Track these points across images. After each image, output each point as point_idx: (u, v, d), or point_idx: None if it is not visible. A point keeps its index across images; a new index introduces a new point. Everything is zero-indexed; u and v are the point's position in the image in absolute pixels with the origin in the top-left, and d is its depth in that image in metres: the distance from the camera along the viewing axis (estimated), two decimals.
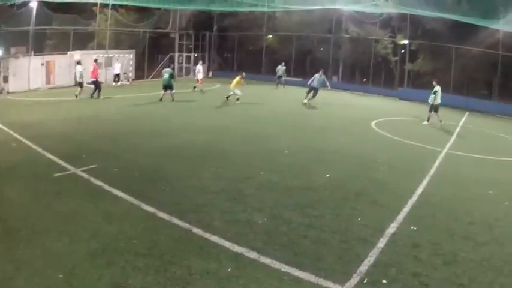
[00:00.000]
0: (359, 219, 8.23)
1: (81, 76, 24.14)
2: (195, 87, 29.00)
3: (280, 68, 34.04)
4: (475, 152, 15.89)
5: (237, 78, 23.76)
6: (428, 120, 21.33)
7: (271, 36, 43.72)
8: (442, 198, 10.12)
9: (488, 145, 18.04)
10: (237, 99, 23.67)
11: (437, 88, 20.89)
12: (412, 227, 8.04)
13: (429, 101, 21.38)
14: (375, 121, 20.93)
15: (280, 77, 33.91)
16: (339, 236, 7.35)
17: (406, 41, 36.36)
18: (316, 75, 24.88)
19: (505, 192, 11.10)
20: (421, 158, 14.24)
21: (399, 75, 38.32)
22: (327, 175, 11.05)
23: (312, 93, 25.03)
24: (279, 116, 20.79)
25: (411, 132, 18.93)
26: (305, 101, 25.01)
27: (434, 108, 21.07)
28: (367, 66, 38.21)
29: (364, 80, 39.38)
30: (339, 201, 9.26)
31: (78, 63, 24.84)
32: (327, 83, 25.97)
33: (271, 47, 43.72)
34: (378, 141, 16.55)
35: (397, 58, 38.83)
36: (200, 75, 29.23)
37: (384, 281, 5.98)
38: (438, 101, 20.88)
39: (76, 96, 23.12)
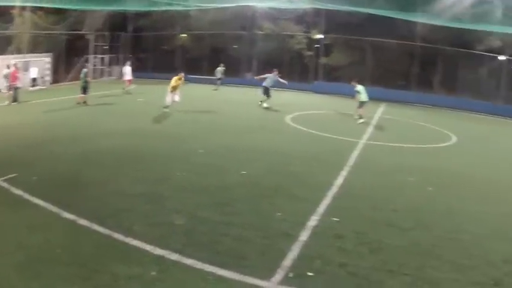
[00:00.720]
0: (279, 214, 8.54)
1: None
2: (124, 89, 28.69)
3: (220, 69, 34.47)
4: (393, 141, 17.01)
5: (175, 79, 21.28)
6: (361, 117, 22.17)
7: (185, 35, 44.61)
8: (362, 188, 10.81)
9: (406, 134, 19.39)
10: (165, 107, 21.08)
11: (359, 88, 22.00)
12: (334, 218, 8.49)
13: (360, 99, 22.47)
14: (291, 116, 21.70)
15: (219, 78, 34.34)
16: (260, 232, 7.59)
17: (320, 36, 38.22)
18: (271, 75, 25.13)
19: (425, 179, 12.12)
20: (339, 150, 15.03)
21: (314, 70, 40.03)
22: (243, 172, 11.33)
23: (267, 94, 25.04)
24: (195, 116, 20.79)
25: (328, 125, 19.90)
26: (265, 105, 24.81)
27: (360, 105, 22.08)
28: (281, 62, 39.68)
29: (279, 76, 40.70)
30: (258, 197, 9.59)
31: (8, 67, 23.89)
32: (284, 81, 26.11)
33: (185, 46, 44.66)
34: (294, 136, 17.22)
35: (311, 53, 40.75)
36: (128, 76, 28.99)
37: (310, 274, 6.25)
38: (363, 98, 21.87)
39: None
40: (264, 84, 24.78)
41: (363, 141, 16.52)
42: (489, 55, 34.39)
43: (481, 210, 9.99)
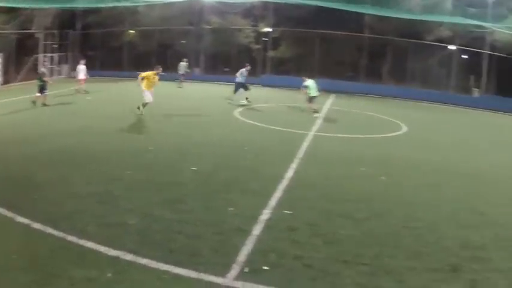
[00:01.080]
0: (231, 209, 8.64)
1: None
2: (78, 88, 28.06)
3: (183, 65, 34.12)
4: (343, 132, 17.48)
5: (151, 74, 19.24)
6: (316, 112, 22.50)
7: (133, 31, 44.93)
8: (313, 179, 11.10)
9: (356, 124, 19.97)
10: (139, 108, 19.37)
11: (308, 82, 22.35)
12: (286, 211, 8.66)
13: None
14: (239, 110, 21.93)
15: (182, 74, 33.99)
16: (213, 228, 7.65)
17: (268, 29, 38.94)
18: (243, 70, 25.30)
19: (377, 168, 12.59)
20: (289, 142, 15.30)
21: (262, 63, 40.62)
22: (193, 168, 11.41)
23: (243, 89, 25.09)
24: (146, 113, 20.56)
25: (276, 118, 20.23)
26: (245, 101, 24.77)
27: (310, 99, 22.44)
28: (229, 56, 40.34)
29: (227, 70, 41.49)
30: (209, 193, 9.68)
31: None
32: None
33: (133, 43, 44.90)
34: (243, 130, 17.47)
35: (259, 46, 41.64)
36: (81, 75, 28.33)
37: (266, 268, 6.35)
38: (312, 94, 22.25)
39: None
40: (238, 80, 25.11)
41: (312, 133, 16.87)
42: (439, 45, 35.80)
43: (434, 198, 10.43)
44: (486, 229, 8.86)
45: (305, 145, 14.87)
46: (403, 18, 32.68)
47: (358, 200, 9.76)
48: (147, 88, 19.01)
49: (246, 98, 24.92)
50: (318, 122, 19.63)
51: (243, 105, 24.12)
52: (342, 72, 39.02)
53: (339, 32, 36.17)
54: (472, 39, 35.13)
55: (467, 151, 17.00)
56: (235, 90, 25.01)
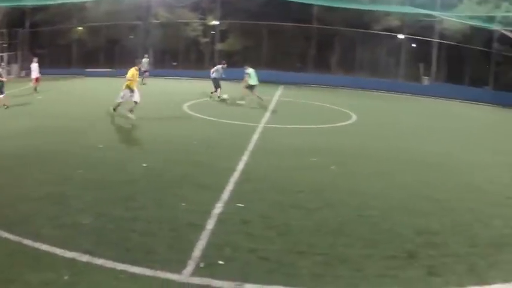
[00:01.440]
0: (183, 204, 8.62)
1: None
2: (35, 88, 27.51)
3: (145, 61, 33.59)
4: (293, 123, 17.73)
5: (133, 71, 18.06)
6: (243, 99, 22.90)
7: (81, 28, 45.08)
8: (265, 171, 11.22)
9: (305, 115, 20.32)
10: (114, 109, 18.31)
11: (249, 70, 22.87)
12: (239, 204, 8.71)
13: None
14: (188, 104, 21.96)
15: (145, 71, 33.46)
16: (166, 224, 7.63)
17: (216, 22, 39.17)
18: (219, 67, 25.61)
19: (327, 158, 12.89)
20: (238, 135, 15.43)
21: (210, 56, 40.82)
22: (144, 164, 11.36)
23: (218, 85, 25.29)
24: (94, 110, 20.26)
25: (225, 111, 20.38)
26: (225, 96, 24.98)
27: (250, 88, 22.72)
28: (177, 50, 40.61)
29: (175, 64, 41.56)
30: (161, 189, 9.65)
31: None
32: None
33: (81, 40, 45.01)
34: (193, 124, 17.46)
35: (207, 39, 42.01)
36: (35, 74, 27.84)
37: (221, 262, 6.36)
38: (252, 82, 22.74)
39: None
40: (213, 76, 25.55)
41: (262, 125, 17.01)
42: (388, 34, 36.72)
43: (386, 186, 10.75)
44: (441, 215, 9.15)
45: (255, 137, 14.99)
46: (351, 9, 33.37)
47: (310, 190, 9.93)
48: (132, 86, 17.76)
49: (219, 95, 25.29)
50: (267, 114, 19.81)
51: (224, 100, 24.62)
52: (291, 63, 39.58)
53: (287, 24, 36.73)
54: (421, 28, 36.25)
55: (418, 139, 17.49)
56: (216, 86, 25.33)
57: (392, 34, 37.12)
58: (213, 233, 7.36)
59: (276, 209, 8.65)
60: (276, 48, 39.33)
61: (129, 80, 17.72)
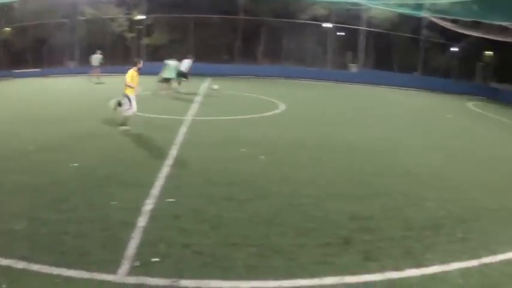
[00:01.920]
0: (114, 203, 8.45)
1: None
2: None
3: (96, 57, 32.21)
4: (221, 114, 17.80)
5: (132, 73, 15.41)
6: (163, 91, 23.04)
7: (8, 29, 43.66)
8: (194, 164, 11.23)
9: (233, 106, 20.44)
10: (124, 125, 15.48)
11: (170, 63, 23.65)
12: (169, 199, 8.64)
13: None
14: (114, 100, 21.20)
15: (97, 67, 32.31)
16: (98, 224, 7.45)
17: (142, 16, 38.96)
18: (186, 60, 25.29)
19: (256, 148, 13.01)
20: (167, 129, 15.27)
21: (136, 51, 40.59)
22: (75, 164, 11.03)
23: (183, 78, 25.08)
24: (27, 110, 19.50)
25: (154, 106, 20.01)
26: (183, 90, 24.65)
27: (181, 75, 23.51)
28: (104, 46, 39.93)
29: (101, 61, 41.40)
30: (92, 189, 9.39)
31: None
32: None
33: (8, 40, 43.43)
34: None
35: (133, 34, 41.75)
36: None
37: (156, 259, 6.29)
38: (166, 75, 23.40)
39: None
40: (181, 69, 25.32)
41: (189, 118, 16.95)
42: (315, 23, 37.30)
43: (317, 173, 10.99)
44: (373, 200, 9.46)
45: (183, 130, 14.92)
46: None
47: (241, 181, 10.02)
48: (132, 92, 15.31)
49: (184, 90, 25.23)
50: (195, 106, 19.77)
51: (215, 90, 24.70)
52: (218, 55, 39.78)
53: (214, 16, 36.87)
54: (349, 17, 37.07)
55: (348, 125, 18.08)
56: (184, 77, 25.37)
57: (319, 23, 37.73)
58: (146, 230, 7.27)
59: (207, 201, 8.64)
60: (203, 40, 39.47)
61: (128, 85, 15.11)
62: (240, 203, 8.63)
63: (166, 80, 23.38)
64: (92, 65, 32.44)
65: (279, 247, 6.87)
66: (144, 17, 39.62)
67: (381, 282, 6.23)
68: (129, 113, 15.23)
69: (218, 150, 12.78)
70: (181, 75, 24.54)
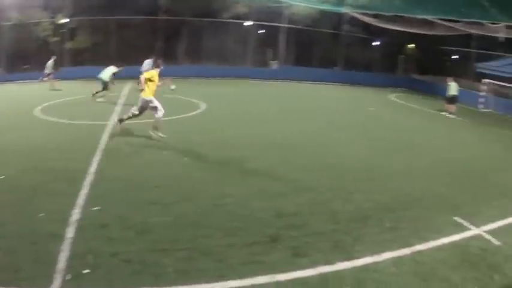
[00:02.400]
0: (42, 214, 8.16)
1: None
2: None
3: (50, 63, 30.61)
4: (144, 117, 17.22)
5: (153, 73, 14.47)
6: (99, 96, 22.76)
7: None
8: (118, 170, 11.07)
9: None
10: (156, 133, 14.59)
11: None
12: (95, 208, 8.47)
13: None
14: (39, 107, 20.58)
15: (49, 74, 30.58)
16: (27, 238, 7.16)
17: (65, 20, 38.21)
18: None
19: (179, 150, 13.05)
20: (90, 135, 14.85)
21: (60, 55, 39.62)
22: (1, 177, 10.58)
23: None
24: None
25: (77, 112, 19.48)
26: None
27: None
28: (28, 52, 38.76)
29: (26, 67, 39.88)
30: (18, 201, 8.99)
31: None
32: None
33: None
34: (45, 128, 16.39)
35: (57, 38, 40.32)
36: None
37: (87, 271, 6.17)
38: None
39: None
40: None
41: (112, 123, 16.58)
42: (235, 22, 37.57)
43: (239, 172, 11.25)
44: (298, 195, 9.68)
45: (106, 136, 14.62)
46: None
47: (165, 184, 10.00)
48: (152, 94, 14.29)
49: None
50: (118, 110, 19.44)
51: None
52: (139, 57, 39.56)
53: (135, 17, 36.59)
54: (270, 14, 37.46)
55: (269, 122, 18.38)
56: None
57: (240, 21, 38.00)
58: (74, 241, 7.11)
59: (132, 207, 8.56)
60: (125, 42, 39.13)
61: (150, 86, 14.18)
62: (165, 207, 8.61)
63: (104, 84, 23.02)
64: (46, 72, 31.18)
65: (208, 249, 6.91)
66: (67, 20, 38.91)
67: (313, 277, 6.38)
68: (160, 115, 14.33)
69: (141, 153, 12.64)
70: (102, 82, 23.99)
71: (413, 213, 9.39)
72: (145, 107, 14.39)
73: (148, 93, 14.17)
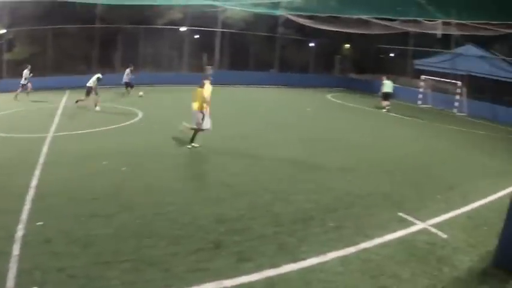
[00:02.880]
0: None
1: None
2: None
3: (26, 72, 29.13)
4: (81, 128, 17.36)
5: (207, 88, 15.14)
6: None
7: None
8: (59, 183, 10.94)
9: (92, 118, 19.90)
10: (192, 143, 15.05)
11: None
12: (38, 223, 8.37)
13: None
14: None
15: (23, 85, 29.09)
16: None
17: (3, 31, 37.23)
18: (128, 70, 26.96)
19: (118, 160, 13.01)
20: (29, 149, 14.51)
21: None
22: None
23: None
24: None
25: (14, 125, 18.95)
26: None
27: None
28: None
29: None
30: None
31: None
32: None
33: None
34: None
35: None
36: None
37: None
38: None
39: None
40: (125, 80, 29.21)
41: (51, 135, 16.32)
42: (170, 28, 37.55)
43: (178, 178, 11.55)
44: (238, 200, 9.89)
45: (45, 148, 14.33)
46: (134, 5, 33.60)
47: (105, 195, 9.98)
48: (204, 108, 14.80)
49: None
50: (56, 121, 19.11)
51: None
52: (76, 66, 38.99)
53: (71, 26, 36.11)
54: (205, 19, 37.53)
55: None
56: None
57: (175, 27, 37.92)
58: (21, 258, 7.04)
59: (75, 221, 8.51)
60: (62, 52, 38.43)
61: (204, 100, 14.74)
62: (106, 218, 8.62)
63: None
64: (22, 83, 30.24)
65: (152, 259, 6.98)
66: (4, 31, 38.01)
67: (259, 281, 6.55)
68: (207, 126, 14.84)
69: (81, 165, 12.50)
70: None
71: (356, 212, 9.69)
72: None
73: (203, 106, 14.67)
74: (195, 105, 14.78)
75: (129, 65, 29.76)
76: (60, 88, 28.92)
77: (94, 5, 35.18)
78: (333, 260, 7.34)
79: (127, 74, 30.17)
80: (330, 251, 7.60)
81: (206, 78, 15.44)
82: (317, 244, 7.84)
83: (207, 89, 14.81)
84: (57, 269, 6.66)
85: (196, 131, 14.69)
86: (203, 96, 14.61)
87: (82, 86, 31.94)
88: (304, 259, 7.25)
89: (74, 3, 32.52)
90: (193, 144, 14.68)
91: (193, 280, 6.42)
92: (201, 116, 14.62)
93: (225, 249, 7.42)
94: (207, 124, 14.81)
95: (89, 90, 22.99)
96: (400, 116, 25.61)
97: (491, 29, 29.80)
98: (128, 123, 19.16)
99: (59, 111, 22.06)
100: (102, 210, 9.02)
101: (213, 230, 8.10)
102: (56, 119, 19.81)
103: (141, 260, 6.94)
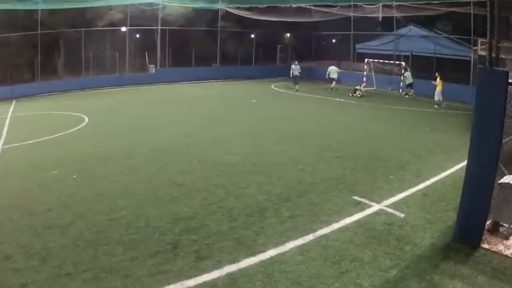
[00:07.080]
0: None
1: None
2: None
3: None
4: (29, 138, 16.90)
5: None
6: None
7: None
8: (13, 196, 10.70)
9: (41, 127, 19.46)
10: None
11: None
12: None
13: None
14: None
15: None
16: None
17: None
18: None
19: (68, 168, 12.85)
20: None
21: None
22: None
23: None
24: None
25: None
26: None
27: None
28: None
29: None
30: None
31: None
32: None
33: None
34: None
35: None
36: None
37: None
38: None
39: None
40: None
41: (0, 147, 16.07)
42: (111, 29, 37.09)
43: (129, 182, 11.49)
44: (191, 198, 9.98)
45: None
46: (73, 8, 33.07)
47: (58, 206, 9.83)
48: None
49: None
50: (3, 133, 18.75)
51: None
52: (20, 75, 38.07)
53: (13, 34, 35.13)
54: (146, 18, 37.20)
55: (149, 129, 18.43)
56: None
57: (116, 28, 37.47)
58: None
59: (31, 234, 8.36)
60: (5, 61, 37.37)
61: None
62: (62, 229, 8.49)
63: None
64: None
65: (111, 266, 6.97)
66: None
67: (221, 278, 6.63)
68: None
69: (32, 176, 12.21)
70: None
71: (310, 199, 9.86)
72: None
73: None
74: None
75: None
76: (6, 99, 28.27)
77: (35, 11, 34.33)
78: (292, 249, 7.48)
79: None
80: (288, 240, 7.75)
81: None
82: (274, 235, 7.96)
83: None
84: (20, 285, 6.57)
85: None
86: None
87: (28, 95, 31.72)
88: (263, 251, 7.37)
89: (16, 10, 31.72)
90: None
91: (154, 284, 6.45)
92: None
93: (183, 249, 7.46)
94: None
95: None
96: (346, 101, 26.03)
97: (432, 9, 30.66)
98: (75, 129, 18.83)
99: (7, 122, 21.63)
100: (57, 221, 8.86)
101: (169, 231, 8.12)
102: (4, 131, 19.43)
103: (100, 268, 6.90)
